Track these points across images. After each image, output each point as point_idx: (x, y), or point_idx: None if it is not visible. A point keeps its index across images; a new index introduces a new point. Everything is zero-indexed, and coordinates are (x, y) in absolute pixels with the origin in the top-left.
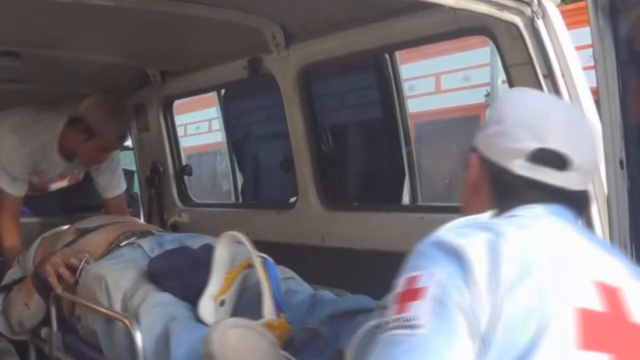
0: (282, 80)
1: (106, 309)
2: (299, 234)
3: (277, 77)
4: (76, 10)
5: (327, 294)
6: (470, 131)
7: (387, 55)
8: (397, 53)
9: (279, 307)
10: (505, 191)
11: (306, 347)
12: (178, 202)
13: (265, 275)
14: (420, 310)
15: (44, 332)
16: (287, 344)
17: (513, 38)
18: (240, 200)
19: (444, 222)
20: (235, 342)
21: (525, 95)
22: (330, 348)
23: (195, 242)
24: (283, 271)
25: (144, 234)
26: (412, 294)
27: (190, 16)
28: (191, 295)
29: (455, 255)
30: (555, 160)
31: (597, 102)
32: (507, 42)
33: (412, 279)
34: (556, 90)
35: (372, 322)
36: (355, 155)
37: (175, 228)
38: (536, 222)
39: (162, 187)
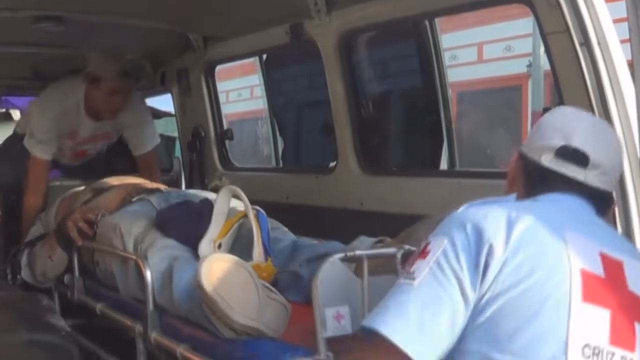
0: (323, 46)
1: (121, 251)
2: (338, 198)
3: (318, 43)
4: None
5: (306, 241)
6: (511, 101)
7: (427, 22)
8: (438, 21)
9: (267, 252)
10: (535, 181)
11: (289, 287)
12: (219, 166)
13: (257, 224)
14: (421, 266)
15: (66, 278)
16: (273, 284)
17: (551, 7)
18: (281, 164)
19: (480, 187)
20: (219, 271)
21: (564, 109)
22: (308, 286)
23: (197, 198)
24: (272, 222)
25: (152, 191)
26: (421, 255)
27: None
28: (191, 240)
29: (473, 230)
30: (576, 157)
31: (632, 72)
32: (545, 10)
33: (427, 244)
34: (592, 58)
35: (336, 256)
36: (394, 121)
37: (216, 191)
38: (551, 201)
39: (203, 152)
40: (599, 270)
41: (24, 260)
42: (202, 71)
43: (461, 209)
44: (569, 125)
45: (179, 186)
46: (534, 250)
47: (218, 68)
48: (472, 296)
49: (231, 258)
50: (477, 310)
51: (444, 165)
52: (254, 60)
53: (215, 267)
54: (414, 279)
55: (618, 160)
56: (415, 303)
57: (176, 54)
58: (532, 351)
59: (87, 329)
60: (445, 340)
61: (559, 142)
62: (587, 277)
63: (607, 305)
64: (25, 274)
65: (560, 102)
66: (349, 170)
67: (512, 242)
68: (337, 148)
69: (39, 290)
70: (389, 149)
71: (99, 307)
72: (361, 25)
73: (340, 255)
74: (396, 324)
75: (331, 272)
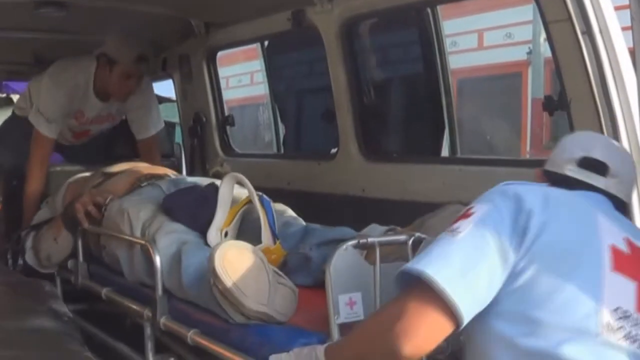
0: (325, 32)
1: (129, 236)
2: (339, 185)
3: (320, 30)
4: None
5: (317, 226)
6: (511, 88)
7: (429, 10)
8: (439, 8)
9: (274, 235)
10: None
11: (298, 269)
12: (220, 152)
13: (263, 209)
14: (464, 224)
15: (70, 263)
16: (282, 266)
17: None
18: (282, 151)
19: (481, 174)
20: (233, 259)
21: (582, 132)
22: (317, 270)
23: (205, 182)
24: (281, 207)
25: (162, 176)
26: (464, 216)
27: None
28: (198, 225)
29: (514, 197)
30: (597, 166)
31: (634, 60)
32: None
33: (469, 208)
34: (594, 47)
35: (349, 243)
36: (395, 107)
37: (217, 178)
38: (579, 193)
39: (204, 137)
40: (625, 249)
41: (28, 243)
42: (204, 57)
43: (498, 185)
44: (588, 140)
45: (180, 172)
46: (568, 221)
47: (219, 54)
48: (511, 257)
49: (243, 245)
50: (513, 274)
51: (445, 152)
52: (255, 46)
53: (229, 256)
54: (458, 232)
55: (632, 174)
56: (459, 252)
57: (178, 39)
58: (568, 309)
59: (90, 315)
60: (483, 293)
61: (580, 154)
62: (615, 251)
63: (634, 277)
64: (29, 257)
65: (562, 91)
66: (350, 156)
67: (548, 211)
68: (339, 134)
69: (41, 276)
70: (391, 135)
71: (104, 292)
72: (363, 12)
73: (353, 242)
74: (439, 266)
75: (344, 258)
